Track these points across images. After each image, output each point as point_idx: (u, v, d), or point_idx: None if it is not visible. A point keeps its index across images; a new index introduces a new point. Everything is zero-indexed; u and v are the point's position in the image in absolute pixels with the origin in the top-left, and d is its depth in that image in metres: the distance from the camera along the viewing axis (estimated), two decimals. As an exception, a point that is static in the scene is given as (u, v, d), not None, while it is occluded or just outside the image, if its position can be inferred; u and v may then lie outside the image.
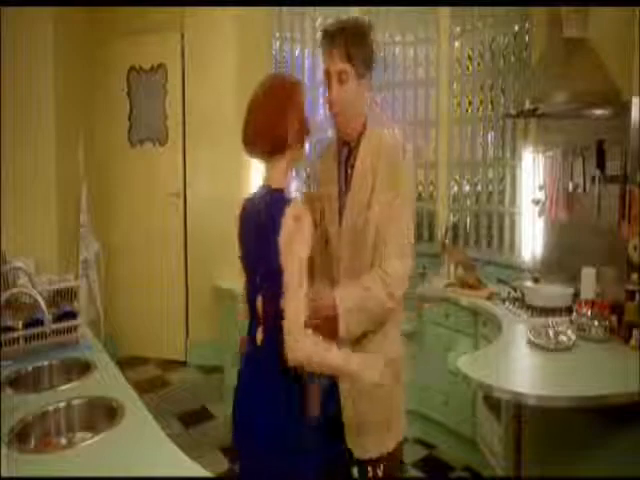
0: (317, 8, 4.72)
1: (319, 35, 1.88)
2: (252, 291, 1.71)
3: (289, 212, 1.56)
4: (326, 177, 1.96)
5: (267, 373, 1.65)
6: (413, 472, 3.40)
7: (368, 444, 1.86)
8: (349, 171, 1.89)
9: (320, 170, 2.03)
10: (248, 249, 1.74)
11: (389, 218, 1.79)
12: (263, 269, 1.64)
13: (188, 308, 4.94)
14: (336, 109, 1.84)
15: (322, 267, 1.92)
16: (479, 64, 4.35)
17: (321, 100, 4.80)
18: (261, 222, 1.63)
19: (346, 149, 1.92)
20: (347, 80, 1.79)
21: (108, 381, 2.05)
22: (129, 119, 5.03)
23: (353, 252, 1.85)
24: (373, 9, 4.67)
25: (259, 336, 1.66)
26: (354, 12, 4.66)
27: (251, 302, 1.71)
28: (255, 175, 4.61)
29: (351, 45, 1.77)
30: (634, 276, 2.52)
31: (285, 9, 4.70)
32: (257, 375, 1.70)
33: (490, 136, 4.36)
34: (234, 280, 4.27)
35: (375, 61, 1.88)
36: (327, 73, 1.82)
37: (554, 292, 3.17)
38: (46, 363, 2.26)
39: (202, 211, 4.78)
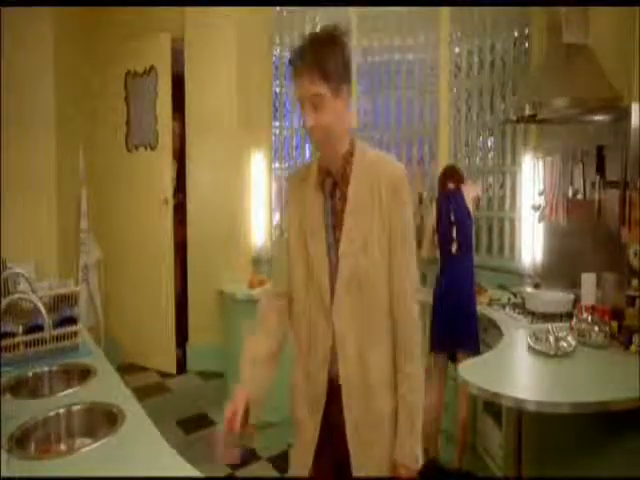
0: (318, 14, 4.72)
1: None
2: None
3: None
4: (310, 215, 1.64)
5: None
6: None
7: None
8: (338, 205, 1.61)
9: (297, 206, 1.69)
10: None
11: (399, 267, 1.58)
12: None
13: (188, 313, 4.92)
14: (317, 137, 1.55)
15: (323, 339, 1.62)
16: (479, 69, 4.36)
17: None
18: None
19: (330, 179, 1.62)
20: (323, 103, 1.50)
21: (108, 387, 2.05)
22: (126, 124, 5.02)
23: (353, 296, 1.58)
24: (373, 14, 4.68)
25: None
26: (353, 15, 4.69)
27: None
28: (254, 178, 4.62)
29: (321, 62, 1.49)
30: (634, 282, 2.52)
31: (286, 14, 4.71)
32: None
33: (490, 141, 4.37)
34: (236, 284, 4.30)
35: (351, 71, 1.60)
36: (299, 100, 1.55)
37: (554, 298, 3.17)
38: (46, 369, 2.26)
39: (203, 216, 4.76)
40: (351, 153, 1.61)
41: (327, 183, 1.63)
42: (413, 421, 1.57)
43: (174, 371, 4.84)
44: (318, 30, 1.62)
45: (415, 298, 1.60)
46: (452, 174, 3.52)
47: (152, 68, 4.79)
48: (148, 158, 4.89)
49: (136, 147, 4.96)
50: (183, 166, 4.94)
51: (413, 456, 1.56)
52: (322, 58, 1.50)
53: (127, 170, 5.00)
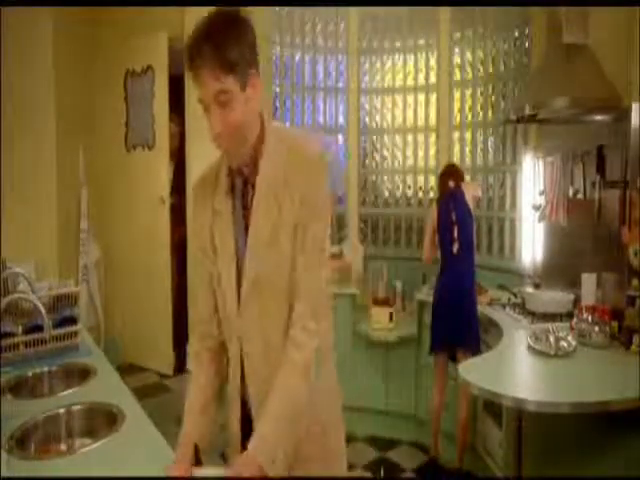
0: (318, 14, 4.72)
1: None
2: None
3: None
4: (218, 227, 1.46)
5: None
6: (414, 478, 3.40)
7: None
8: (245, 201, 1.44)
9: (204, 220, 1.50)
10: None
11: (304, 261, 1.38)
12: None
13: (187, 313, 4.91)
14: (226, 142, 1.36)
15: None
16: (479, 70, 4.36)
17: (321, 106, 4.81)
18: None
19: (241, 177, 1.44)
20: (231, 99, 1.29)
21: (108, 387, 2.05)
22: (125, 124, 5.02)
23: (258, 295, 1.41)
24: (373, 15, 4.68)
25: None
26: (354, 17, 4.69)
27: None
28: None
29: (222, 52, 1.26)
30: (634, 281, 2.52)
31: (285, 14, 4.70)
32: None
33: (490, 142, 4.36)
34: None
35: (257, 49, 1.36)
36: (203, 103, 1.33)
37: (554, 298, 3.17)
38: (46, 369, 2.25)
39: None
40: (262, 139, 1.41)
41: (238, 183, 1.45)
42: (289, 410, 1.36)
43: (171, 372, 4.86)
44: (211, 14, 1.34)
45: (323, 273, 1.42)
46: (452, 173, 3.52)
47: (149, 67, 4.79)
48: (146, 158, 4.89)
49: (134, 147, 4.95)
50: (181, 166, 4.93)
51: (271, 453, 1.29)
52: (223, 46, 1.27)
53: (126, 170, 5.00)
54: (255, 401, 1.45)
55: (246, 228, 1.42)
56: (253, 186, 1.41)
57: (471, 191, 3.46)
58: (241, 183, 1.44)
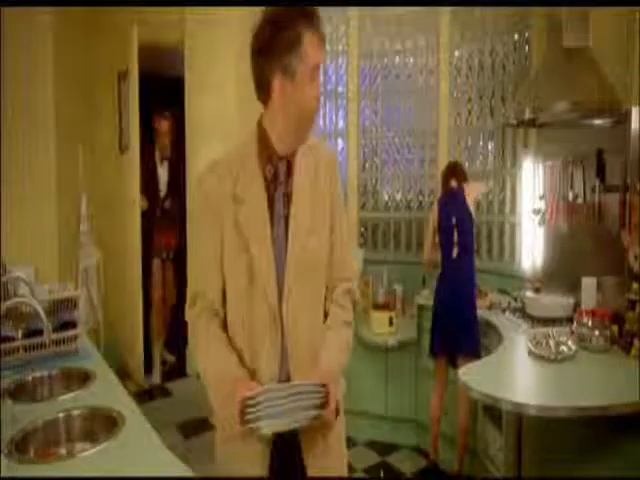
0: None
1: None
2: None
3: None
4: (251, 211, 1.51)
5: None
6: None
7: None
8: (283, 191, 1.52)
9: (227, 209, 1.52)
10: None
11: (341, 245, 1.59)
12: None
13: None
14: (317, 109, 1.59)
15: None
16: (479, 73, 4.36)
17: (321, 109, 4.81)
18: None
19: (271, 166, 1.52)
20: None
21: (108, 391, 2.04)
22: (119, 125, 4.97)
23: (303, 281, 1.52)
24: (373, 18, 4.69)
25: None
26: (353, 19, 4.70)
27: None
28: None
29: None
30: (635, 285, 2.52)
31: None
32: None
33: (490, 145, 4.37)
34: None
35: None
36: (317, 69, 1.51)
37: (555, 302, 3.17)
38: (46, 373, 2.25)
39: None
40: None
41: (280, 172, 1.53)
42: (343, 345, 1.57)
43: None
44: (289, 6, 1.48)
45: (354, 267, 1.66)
46: (455, 171, 3.50)
47: (127, 69, 4.76)
48: (127, 159, 4.84)
49: (127, 148, 4.93)
50: (179, 167, 4.94)
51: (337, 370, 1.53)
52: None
53: (120, 171, 4.98)
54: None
55: (285, 216, 1.51)
56: (286, 179, 1.52)
57: (473, 193, 3.43)
58: (283, 172, 1.53)
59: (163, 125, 4.95)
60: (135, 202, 4.68)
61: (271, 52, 1.44)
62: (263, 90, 1.50)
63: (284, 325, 1.49)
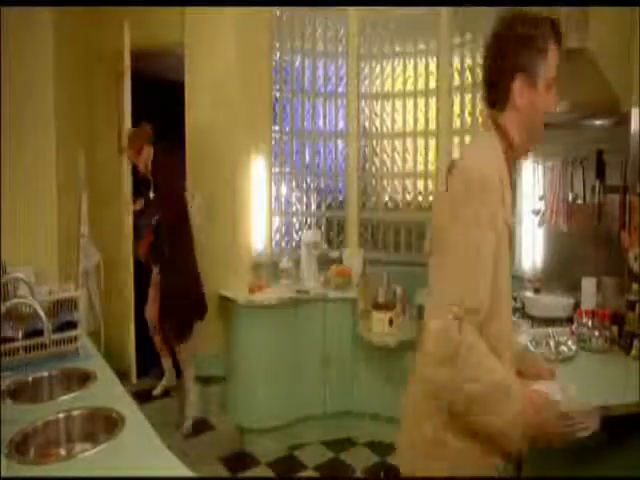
0: (317, 18, 4.73)
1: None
2: None
3: None
4: (503, 214, 1.47)
5: None
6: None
7: None
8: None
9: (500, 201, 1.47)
10: None
11: None
12: None
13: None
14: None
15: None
16: (479, 75, 4.36)
17: (321, 110, 4.81)
18: None
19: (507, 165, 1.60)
20: None
21: (108, 392, 2.04)
22: (118, 126, 4.95)
23: None
24: (372, 20, 4.70)
25: None
26: (353, 21, 4.70)
27: None
28: (254, 182, 4.62)
29: None
30: (635, 286, 2.52)
31: (285, 18, 4.71)
32: None
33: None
34: (238, 290, 4.29)
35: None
36: (553, 78, 1.60)
37: (554, 302, 3.16)
38: (46, 373, 2.26)
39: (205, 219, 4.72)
40: None
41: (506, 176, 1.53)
42: None
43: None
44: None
45: None
46: None
47: (121, 70, 4.75)
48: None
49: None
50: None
51: None
52: None
53: (119, 172, 4.95)
54: None
55: None
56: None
57: None
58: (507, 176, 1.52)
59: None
60: (129, 203, 4.68)
61: (517, 55, 1.50)
62: (496, 90, 1.58)
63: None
